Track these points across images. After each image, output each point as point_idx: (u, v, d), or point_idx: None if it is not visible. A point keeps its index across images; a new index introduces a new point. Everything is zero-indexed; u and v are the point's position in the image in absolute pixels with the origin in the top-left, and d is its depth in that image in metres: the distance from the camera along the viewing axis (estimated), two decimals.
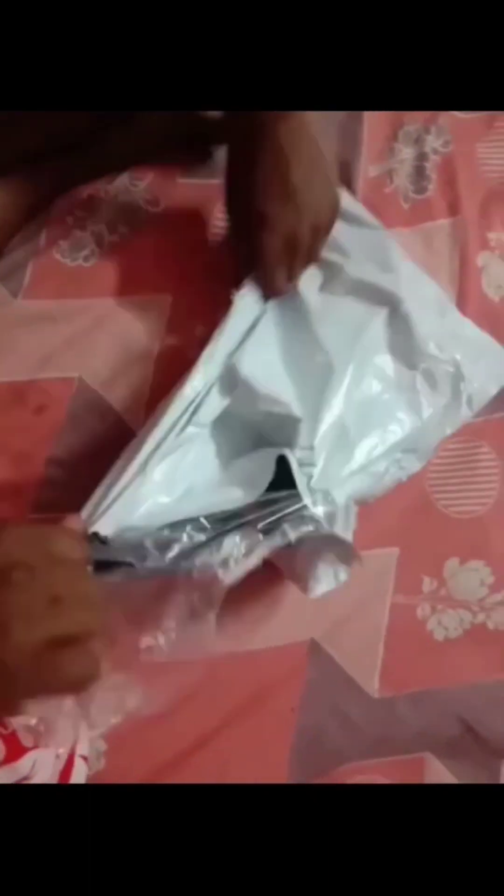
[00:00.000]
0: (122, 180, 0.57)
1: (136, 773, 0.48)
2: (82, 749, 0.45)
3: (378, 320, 0.52)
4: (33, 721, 0.44)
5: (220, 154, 0.60)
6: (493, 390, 0.56)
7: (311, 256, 0.50)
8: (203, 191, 0.58)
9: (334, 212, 0.49)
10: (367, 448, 0.50)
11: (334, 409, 0.49)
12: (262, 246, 0.46)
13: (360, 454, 0.49)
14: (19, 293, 0.54)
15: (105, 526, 0.41)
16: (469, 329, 0.56)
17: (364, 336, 0.52)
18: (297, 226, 0.46)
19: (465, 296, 0.59)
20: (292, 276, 0.49)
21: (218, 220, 0.58)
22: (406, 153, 0.63)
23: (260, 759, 0.50)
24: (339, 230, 0.54)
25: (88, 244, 0.56)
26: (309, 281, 0.53)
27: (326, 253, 0.53)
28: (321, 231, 0.49)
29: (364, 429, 0.50)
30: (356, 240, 0.55)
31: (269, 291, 0.49)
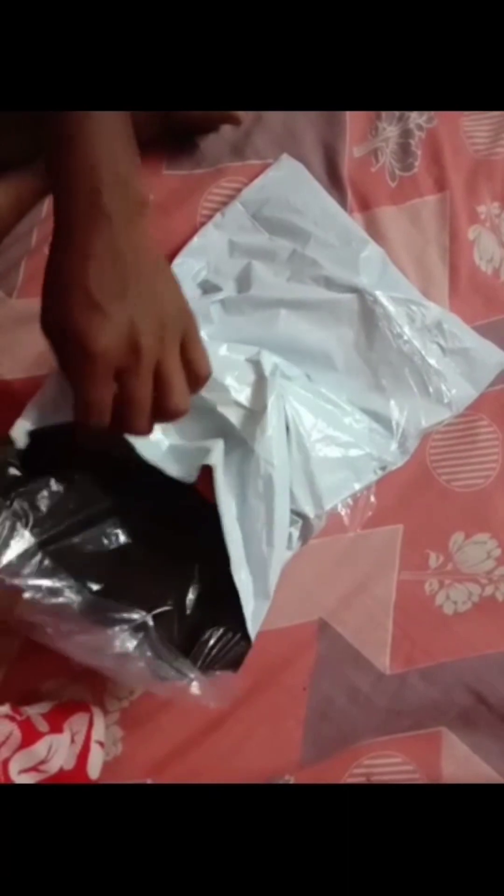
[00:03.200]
0: None
1: (152, 756, 0.49)
2: (98, 734, 0.46)
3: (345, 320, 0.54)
4: (47, 708, 0.45)
5: (206, 143, 0.60)
6: (475, 393, 0.57)
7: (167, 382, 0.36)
8: (189, 181, 0.59)
9: (182, 318, 0.36)
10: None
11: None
12: (76, 366, 0.34)
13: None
14: (14, 292, 0.55)
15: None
16: (454, 324, 0.57)
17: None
18: (128, 336, 0.34)
19: (458, 270, 0.59)
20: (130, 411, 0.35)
21: (205, 210, 0.58)
22: (390, 131, 0.63)
23: (274, 738, 0.50)
24: (313, 224, 0.56)
25: None
26: (274, 277, 0.54)
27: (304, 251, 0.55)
28: (165, 347, 0.35)
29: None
30: (328, 247, 0.56)
31: (82, 427, 0.35)
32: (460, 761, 0.52)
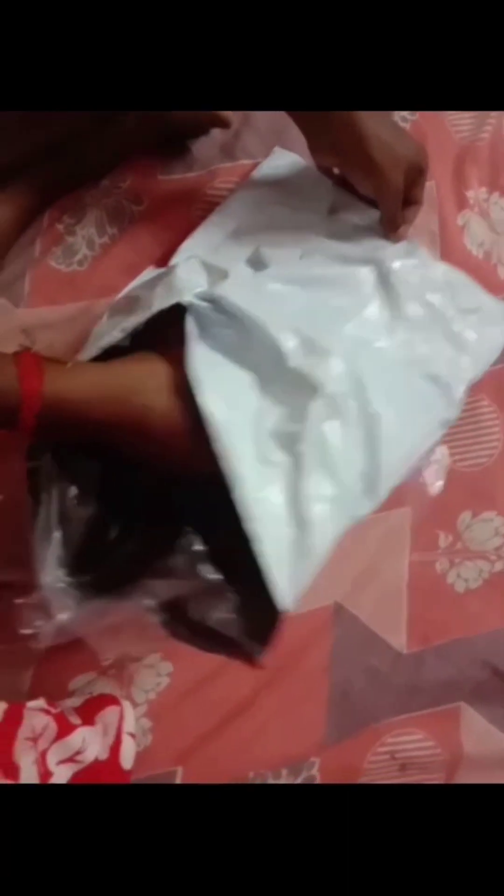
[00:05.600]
0: (105, 184, 0.59)
1: (180, 745, 0.50)
2: (129, 726, 0.48)
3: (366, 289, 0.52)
4: (78, 702, 0.46)
5: (197, 147, 0.62)
6: (502, 339, 0.56)
7: (418, 197, 0.55)
8: (183, 185, 0.60)
9: (424, 154, 0.52)
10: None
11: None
12: (384, 195, 0.52)
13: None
14: (21, 303, 0.56)
15: None
16: (464, 282, 0.56)
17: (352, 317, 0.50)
18: (402, 171, 0.50)
19: (449, 256, 0.61)
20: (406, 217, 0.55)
21: (200, 211, 0.60)
22: None
23: (297, 720, 0.52)
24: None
25: (81, 249, 0.58)
26: (286, 253, 0.53)
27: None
28: (421, 172, 0.53)
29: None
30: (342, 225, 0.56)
31: (393, 229, 0.54)
32: (479, 735, 0.53)
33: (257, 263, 0.52)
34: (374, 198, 0.53)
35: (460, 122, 0.64)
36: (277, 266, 0.51)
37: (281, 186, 0.59)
